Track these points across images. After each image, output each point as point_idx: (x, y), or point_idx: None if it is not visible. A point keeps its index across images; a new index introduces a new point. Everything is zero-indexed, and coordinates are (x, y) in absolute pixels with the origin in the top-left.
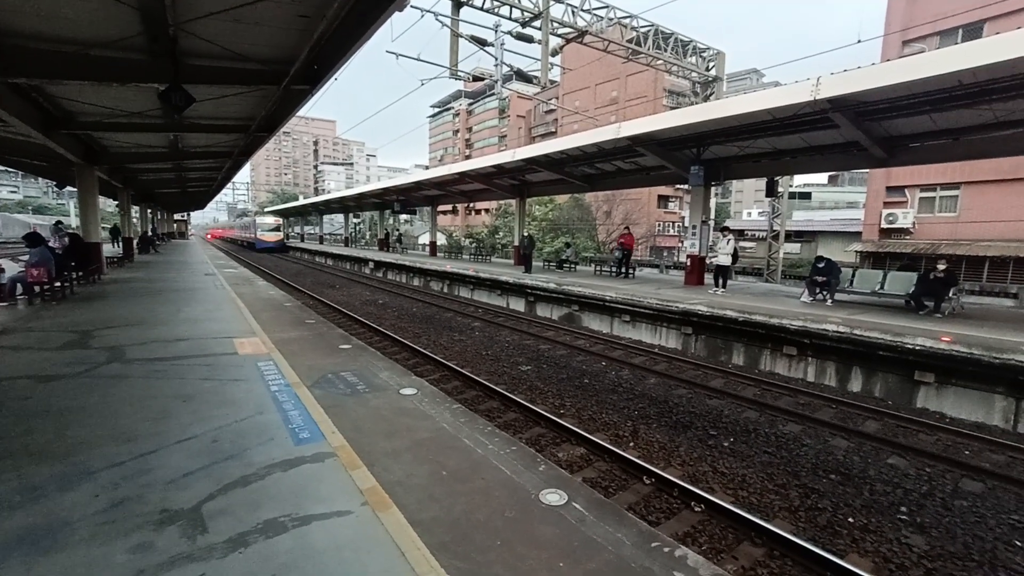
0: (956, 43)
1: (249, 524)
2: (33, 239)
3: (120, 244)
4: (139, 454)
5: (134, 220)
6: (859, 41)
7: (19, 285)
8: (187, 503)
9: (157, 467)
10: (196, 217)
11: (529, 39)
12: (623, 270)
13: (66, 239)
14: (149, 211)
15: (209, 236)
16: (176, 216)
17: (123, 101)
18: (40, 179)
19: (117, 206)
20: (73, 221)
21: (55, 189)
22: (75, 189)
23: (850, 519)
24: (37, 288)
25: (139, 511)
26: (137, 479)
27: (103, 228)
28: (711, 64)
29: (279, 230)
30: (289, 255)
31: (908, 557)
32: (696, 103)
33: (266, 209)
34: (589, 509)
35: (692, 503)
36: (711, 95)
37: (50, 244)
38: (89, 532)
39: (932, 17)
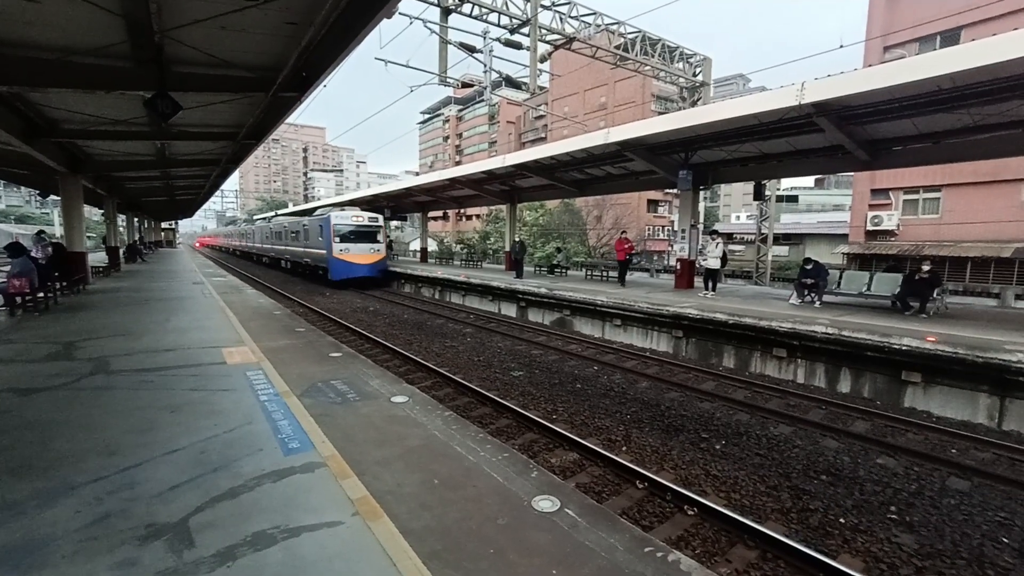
0: (934, 49)
1: (238, 537)
2: (15, 249)
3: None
4: (124, 467)
5: (120, 229)
6: (841, 46)
7: (0, 296)
8: (173, 517)
9: (142, 480)
10: (184, 225)
11: (518, 46)
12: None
13: (49, 248)
14: (136, 219)
15: (198, 244)
16: (164, 224)
17: (108, 109)
18: (22, 188)
19: (103, 215)
20: (57, 230)
21: (38, 198)
22: (59, 198)
23: (841, 519)
24: (19, 299)
25: (123, 526)
26: (121, 493)
27: (89, 237)
28: (698, 69)
29: (378, 239)
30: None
31: (898, 556)
32: (683, 108)
33: (348, 197)
34: (582, 515)
35: (685, 507)
36: (698, 100)
37: (32, 254)
38: (71, 549)
39: (911, 24)
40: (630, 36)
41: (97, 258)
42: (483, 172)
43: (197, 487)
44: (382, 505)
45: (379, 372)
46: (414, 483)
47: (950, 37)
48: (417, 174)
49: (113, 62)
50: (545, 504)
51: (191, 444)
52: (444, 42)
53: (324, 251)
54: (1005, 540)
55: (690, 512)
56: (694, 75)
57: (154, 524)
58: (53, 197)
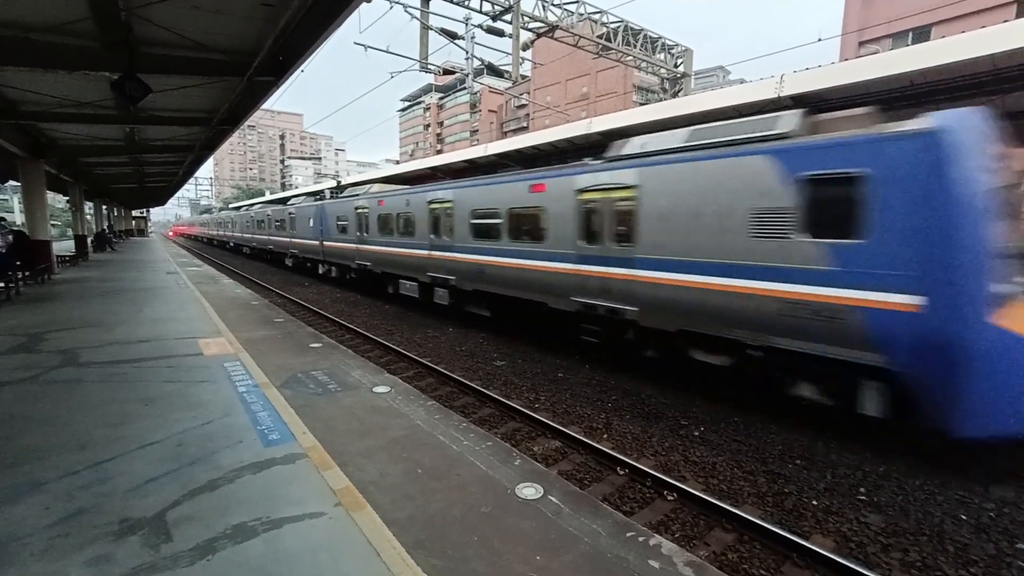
0: (907, 45)
1: (217, 530)
2: None
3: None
4: (96, 462)
5: (88, 217)
6: (820, 39)
7: None
8: (150, 511)
9: (116, 475)
10: (156, 213)
11: (500, 33)
12: None
13: (9, 237)
14: (104, 207)
15: (171, 233)
16: (135, 213)
17: (73, 90)
18: None
19: (68, 202)
20: (18, 218)
21: None
22: (19, 183)
23: (814, 502)
24: None
25: (96, 522)
26: (94, 488)
27: (54, 225)
28: (679, 61)
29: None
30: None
31: (866, 535)
32: (665, 99)
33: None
34: (565, 501)
35: (665, 492)
36: (679, 91)
37: None
38: (41, 547)
39: (884, 20)
40: (612, 25)
41: (64, 247)
42: (464, 161)
43: (174, 480)
44: (365, 496)
45: (360, 362)
46: (397, 473)
47: (921, 34)
48: (397, 163)
49: (77, 40)
50: (529, 491)
51: (167, 437)
52: (425, 27)
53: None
54: (963, 517)
55: (670, 497)
56: (675, 66)
57: (129, 519)
58: (12, 183)
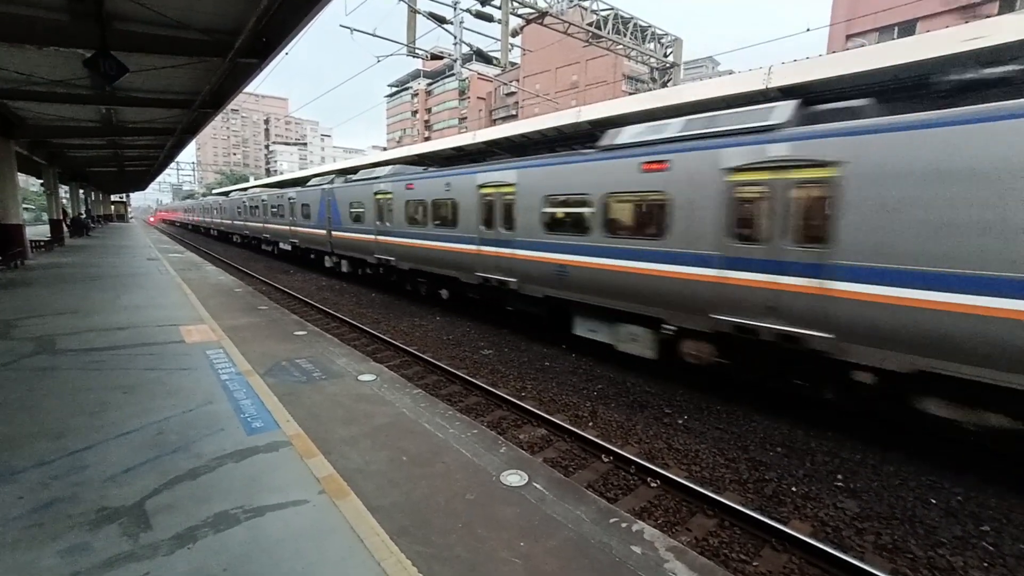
0: (892, 39)
1: (198, 518)
2: None
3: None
4: (72, 450)
5: (64, 201)
6: (808, 30)
7: None
8: (128, 500)
9: (94, 463)
10: (136, 199)
11: (489, 18)
12: None
13: None
14: (82, 191)
15: (153, 219)
16: (113, 197)
17: (42, 67)
18: None
19: (42, 185)
20: None
21: None
22: None
23: (793, 488)
24: None
25: (72, 511)
26: (69, 477)
27: (28, 209)
28: (669, 50)
29: None
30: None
31: (842, 519)
32: (654, 89)
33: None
34: (549, 488)
35: (648, 479)
36: (668, 81)
37: None
38: (12, 537)
39: (871, 12)
40: (603, 13)
41: (38, 232)
42: (453, 148)
43: (154, 469)
44: (349, 483)
45: (346, 351)
46: (382, 461)
47: (906, 29)
48: (385, 149)
49: (44, 13)
50: (513, 479)
51: (147, 425)
52: (413, 11)
53: None
54: (933, 501)
55: (653, 484)
56: (665, 56)
57: (107, 508)
58: None
